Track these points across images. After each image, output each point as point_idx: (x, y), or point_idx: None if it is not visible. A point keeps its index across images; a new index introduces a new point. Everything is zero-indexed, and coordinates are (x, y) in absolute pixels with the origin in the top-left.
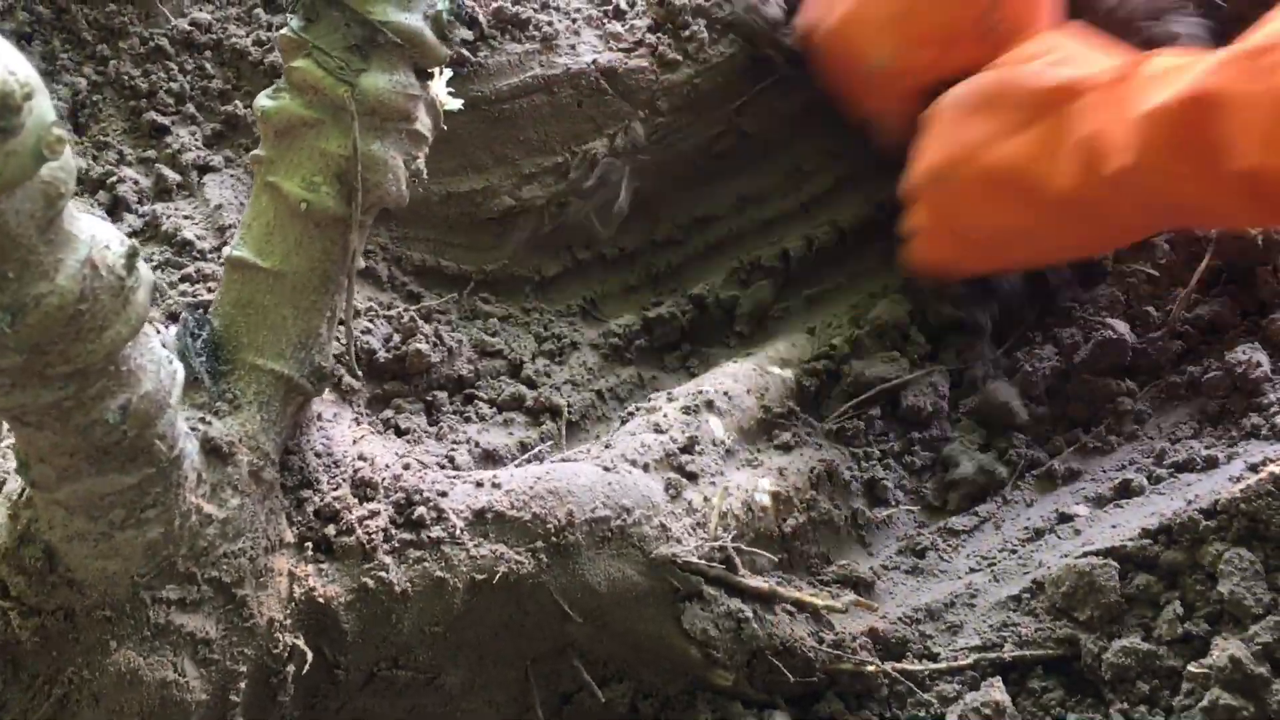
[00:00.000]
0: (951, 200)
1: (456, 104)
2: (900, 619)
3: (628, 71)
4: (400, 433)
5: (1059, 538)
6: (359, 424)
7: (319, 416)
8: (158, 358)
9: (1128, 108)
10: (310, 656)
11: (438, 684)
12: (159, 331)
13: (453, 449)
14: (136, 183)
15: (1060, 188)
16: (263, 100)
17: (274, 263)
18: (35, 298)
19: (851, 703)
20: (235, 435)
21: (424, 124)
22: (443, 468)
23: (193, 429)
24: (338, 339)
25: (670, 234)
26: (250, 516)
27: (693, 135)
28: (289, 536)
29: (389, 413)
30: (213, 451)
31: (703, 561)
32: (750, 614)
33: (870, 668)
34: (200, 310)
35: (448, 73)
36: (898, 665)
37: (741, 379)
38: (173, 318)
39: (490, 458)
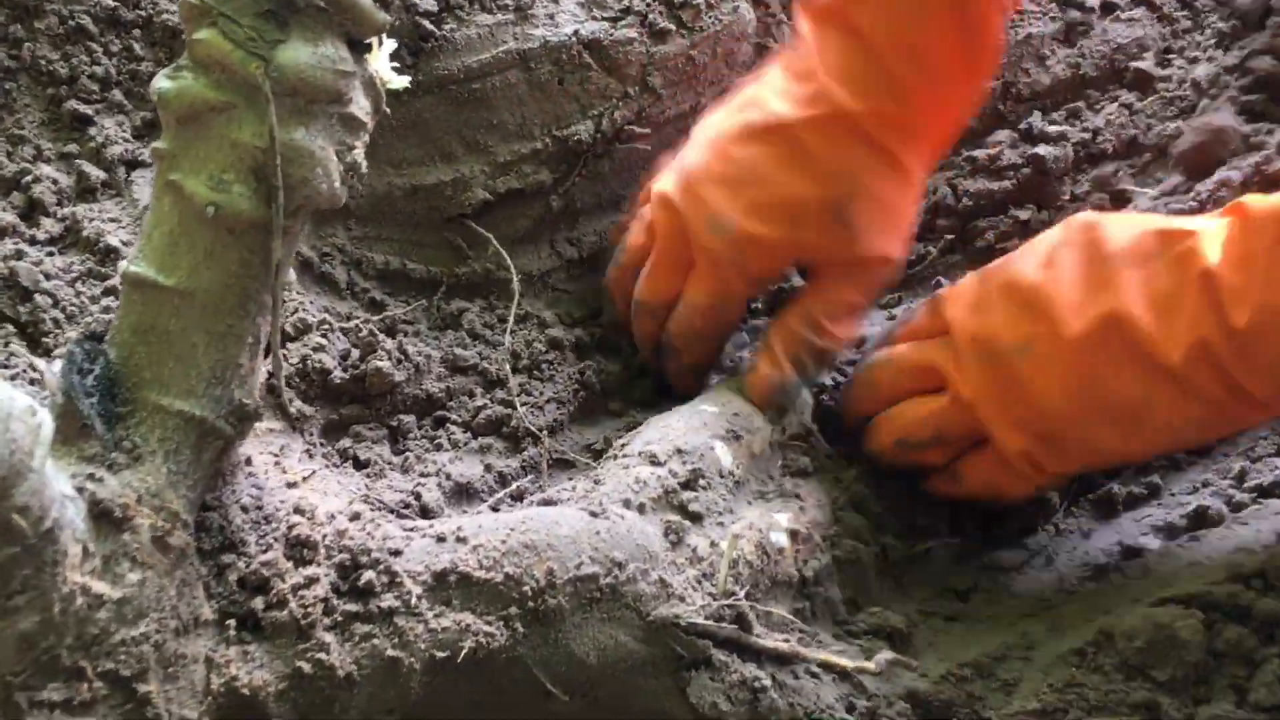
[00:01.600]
0: (1024, 379)
1: (402, 81)
2: (944, 677)
3: (614, 43)
4: (360, 465)
5: (1126, 577)
6: (310, 457)
7: (247, 462)
8: (5, 411)
9: (1251, 246)
10: None
11: None
12: (33, 368)
13: (420, 483)
14: (55, 182)
15: (1179, 345)
16: (161, 81)
17: (179, 280)
18: None
19: None
20: (134, 494)
21: (360, 107)
22: (407, 507)
23: (79, 489)
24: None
25: None
26: (155, 593)
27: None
28: (207, 614)
29: (347, 442)
30: (103, 516)
31: (711, 622)
32: (769, 681)
33: None
34: (92, 340)
35: (390, 44)
36: None
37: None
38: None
39: (463, 492)
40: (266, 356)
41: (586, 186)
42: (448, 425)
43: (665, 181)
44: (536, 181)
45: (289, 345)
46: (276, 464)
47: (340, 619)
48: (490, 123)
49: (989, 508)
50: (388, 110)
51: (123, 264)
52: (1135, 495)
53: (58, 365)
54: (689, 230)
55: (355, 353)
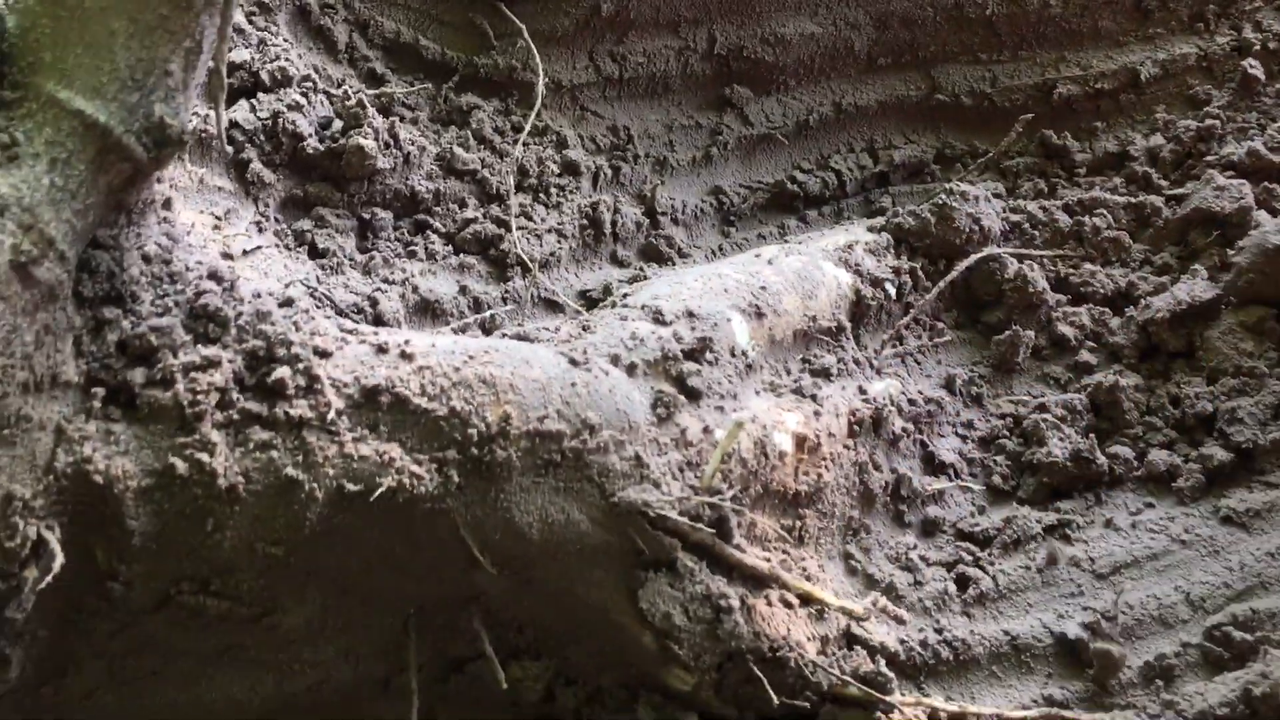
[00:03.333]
0: None
1: None
2: (933, 639)
3: None
4: (316, 253)
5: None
6: (260, 231)
7: (165, 204)
8: None
9: None
10: (60, 561)
11: (269, 622)
12: None
13: (381, 289)
14: None
15: None
16: None
17: None
18: None
19: None
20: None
21: None
22: (359, 312)
23: None
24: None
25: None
26: (5, 331)
27: None
28: (70, 374)
29: (307, 224)
30: None
31: (685, 519)
32: (736, 601)
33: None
34: None
35: None
36: (925, 700)
37: (786, 271)
38: None
39: (428, 310)
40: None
41: None
42: (428, 232)
43: None
44: None
45: (260, 96)
46: (215, 229)
47: (237, 417)
48: None
49: None
50: None
51: None
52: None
53: None
54: None
55: (338, 123)
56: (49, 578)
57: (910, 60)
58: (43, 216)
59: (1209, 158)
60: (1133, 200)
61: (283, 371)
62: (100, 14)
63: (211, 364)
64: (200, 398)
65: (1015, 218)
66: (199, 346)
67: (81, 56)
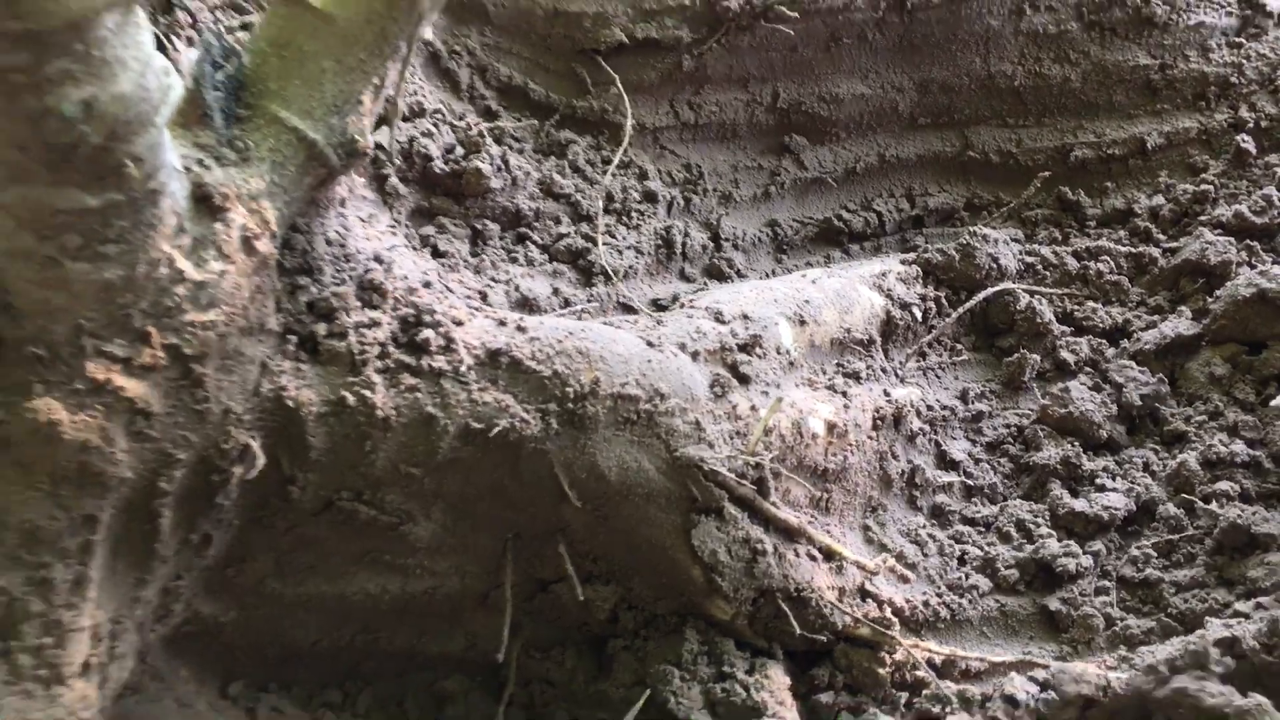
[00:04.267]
0: None
1: None
2: (934, 601)
3: None
4: (438, 254)
5: None
6: (393, 233)
7: (342, 203)
8: (146, 58)
9: None
10: (262, 462)
11: (403, 532)
12: (172, 45)
13: (489, 285)
14: None
15: None
16: None
17: (326, 2)
18: None
19: (851, 678)
20: (235, 189)
21: None
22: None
23: (187, 169)
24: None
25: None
26: (231, 288)
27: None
28: (272, 324)
29: (430, 230)
30: (203, 200)
31: (732, 475)
32: (770, 547)
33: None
34: (229, 38)
35: None
36: (923, 644)
37: (827, 289)
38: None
39: (527, 305)
40: (387, 123)
41: (721, 56)
42: (528, 242)
43: None
44: (674, 37)
45: (399, 124)
46: (363, 224)
47: (392, 365)
48: None
49: None
50: None
51: None
52: None
53: (194, 53)
54: None
55: (460, 149)
56: (252, 473)
57: (947, 121)
58: (264, 204)
59: (1202, 217)
60: (1133, 250)
61: (427, 333)
62: (315, 56)
63: (375, 324)
64: (366, 348)
65: (1030, 259)
66: (366, 310)
67: (299, 87)
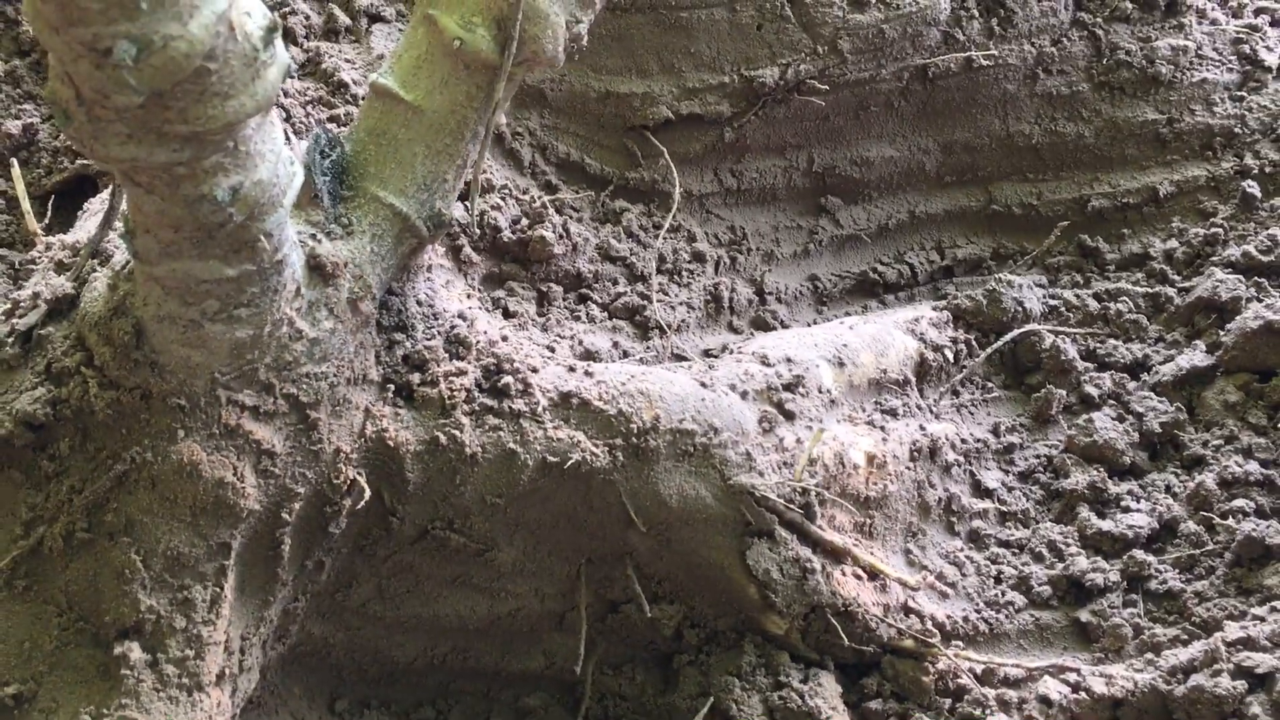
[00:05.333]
0: None
1: None
2: (973, 616)
3: (816, 3)
4: (508, 315)
5: None
6: (469, 297)
7: (428, 269)
8: (278, 151)
9: None
10: (368, 494)
11: (489, 558)
12: (290, 139)
13: (555, 341)
14: (308, 18)
15: None
16: None
17: (416, 97)
18: (164, 38)
19: (898, 686)
20: (342, 259)
21: None
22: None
23: (302, 243)
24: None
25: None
26: (340, 344)
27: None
28: (373, 374)
29: (501, 293)
30: (317, 269)
31: (781, 500)
32: (818, 566)
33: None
34: (334, 130)
35: None
36: (962, 652)
37: (863, 334)
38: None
39: (590, 358)
40: (465, 198)
41: (759, 127)
42: (589, 302)
43: None
44: (716, 111)
45: (479, 198)
46: (445, 288)
47: (478, 409)
48: (688, 50)
49: None
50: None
51: (372, 75)
52: None
53: (304, 144)
54: None
55: (525, 220)
56: (360, 505)
57: (971, 178)
58: (366, 271)
59: (1213, 258)
60: (1150, 290)
61: (507, 379)
62: (407, 143)
63: (461, 373)
64: (454, 394)
65: (1054, 302)
66: (453, 361)
67: (394, 169)
